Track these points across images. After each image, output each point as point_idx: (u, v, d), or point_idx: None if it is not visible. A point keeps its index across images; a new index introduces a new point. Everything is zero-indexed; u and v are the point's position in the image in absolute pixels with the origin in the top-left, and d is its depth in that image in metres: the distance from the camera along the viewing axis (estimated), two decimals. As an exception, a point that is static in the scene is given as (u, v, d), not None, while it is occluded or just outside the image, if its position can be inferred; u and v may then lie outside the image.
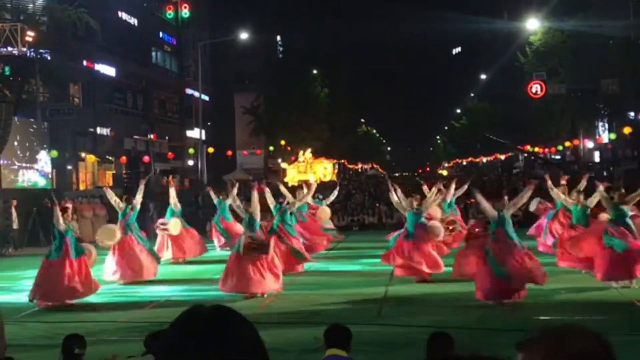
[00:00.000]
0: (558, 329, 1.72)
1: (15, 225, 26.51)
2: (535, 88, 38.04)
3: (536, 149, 59.81)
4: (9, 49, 30.81)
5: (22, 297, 14.89)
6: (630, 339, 9.87)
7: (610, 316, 11.33)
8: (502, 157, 76.70)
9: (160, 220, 20.81)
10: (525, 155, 65.15)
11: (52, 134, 32.89)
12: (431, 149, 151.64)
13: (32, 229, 27.61)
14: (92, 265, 14.93)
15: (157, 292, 15.31)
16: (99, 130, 43.08)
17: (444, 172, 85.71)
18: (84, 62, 40.74)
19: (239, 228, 17.90)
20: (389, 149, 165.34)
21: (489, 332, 10.37)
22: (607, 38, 37.81)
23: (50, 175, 32.47)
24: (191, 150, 51.07)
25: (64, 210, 14.66)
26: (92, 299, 14.25)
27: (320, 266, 18.51)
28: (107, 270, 16.48)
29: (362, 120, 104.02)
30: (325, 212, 23.38)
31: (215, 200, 22.14)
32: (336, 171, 73.64)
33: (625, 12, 35.40)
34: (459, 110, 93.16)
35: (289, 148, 62.01)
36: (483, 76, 71.46)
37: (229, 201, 19.65)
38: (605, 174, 44.72)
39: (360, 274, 17.12)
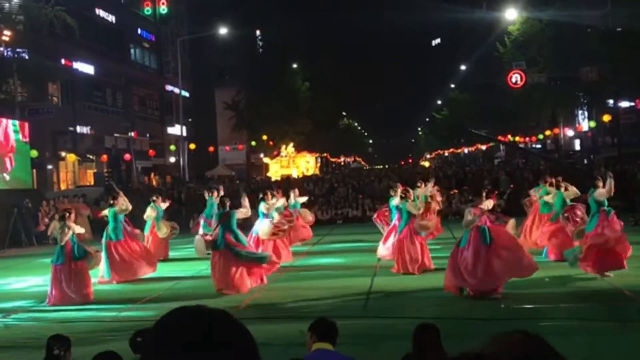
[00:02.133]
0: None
1: (-4, 227, 26.31)
2: (515, 78, 38.22)
3: (517, 139, 60.13)
4: (-14, 48, 30.52)
5: (5, 298, 14.83)
6: (613, 325, 9.94)
7: (593, 302, 11.42)
8: (484, 147, 77.09)
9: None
10: (505, 145, 65.53)
11: (32, 134, 32.62)
12: (413, 140, 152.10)
13: (13, 229, 27.42)
14: (95, 268, 15.00)
15: (143, 289, 15.24)
16: (78, 128, 42.75)
17: (426, 164, 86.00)
18: (62, 61, 40.38)
19: None
20: (370, 141, 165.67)
21: (476, 323, 10.40)
22: (585, 26, 38.02)
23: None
24: (172, 147, 50.88)
25: (66, 213, 14.58)
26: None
27: (304, 260, 18.50)
28: (102, 272, 16.38)
29: (344, 113, 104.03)
30: (306, 214, 22.16)
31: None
32: (319, 165, 73.69)
33: (602, 1, 35.62)
34: (439, 102, 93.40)
35: (271, 143, 61.91)
36: (463, 67, 71.67)
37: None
38: (585, 161, 45.13)
39: (345, 267, 17.14)
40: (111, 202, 17.19)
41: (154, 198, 20.71)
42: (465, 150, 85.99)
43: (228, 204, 14.90)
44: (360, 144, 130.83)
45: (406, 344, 5.85)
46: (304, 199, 22.81)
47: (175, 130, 53.54)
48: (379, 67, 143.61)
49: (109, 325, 11.52)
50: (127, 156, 43.64)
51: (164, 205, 20.89)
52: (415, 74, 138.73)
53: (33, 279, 17.61)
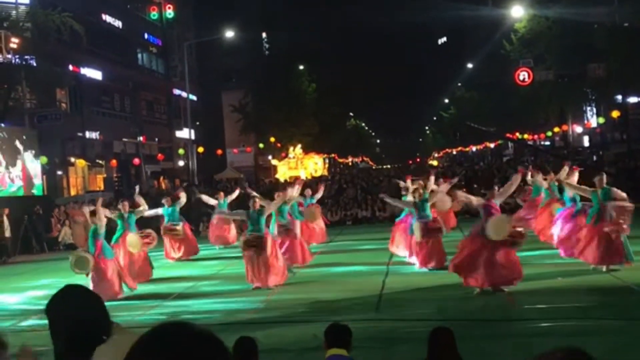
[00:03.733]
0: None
1: (7, 234, 26.37)
2: (523, 75, 38.02)
3: (525, 136, 59.95)
4: (-6, 56, 30.61)
5: (17, 305, 14.89)
6: (625, 323, 9.88)
7: (607, 301, 11.35)
8: (492, 145, 76.87)
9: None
10: (513, 142, 65.35)
11: (41, 140, 32.73)
12: (420, 139, 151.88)
13: (24, 236, 27.50)
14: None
15: (162, 290, 15.37)
16: (87, 134, 42.89)
17: (434, 162, 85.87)
18: (70, 67, 40.50)
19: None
20: (378, 141, 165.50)
21: (490, 323, 10.35)
22: (592, 23, 37.86)
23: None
24: (181, 151, 50.92)
25: (93, 213, 15.15)
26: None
27: (315, 261, 18.48)
28: None
29: (351, 114, 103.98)
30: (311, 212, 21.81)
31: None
32: (327, 166, 73.64)
33: (609, -3, 35.49)
34: (447, 100, 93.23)
35: (278, 145, 61.92)
36: (469, 65, 71.45)
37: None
38: (595, 158, 44.96)
39: (357, 265, 17.24)
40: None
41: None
42: (474, 149, 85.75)
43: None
44: (367, 144, 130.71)
45: (420, 348, 5.83)
46: (318, 195, 22.68)
47: (184, 133, 53.61)
48: (385, 66, 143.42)
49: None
50: (136, 160, 43.73)
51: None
52: (421, 72, 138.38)
53: (44, 285, 17.64)
